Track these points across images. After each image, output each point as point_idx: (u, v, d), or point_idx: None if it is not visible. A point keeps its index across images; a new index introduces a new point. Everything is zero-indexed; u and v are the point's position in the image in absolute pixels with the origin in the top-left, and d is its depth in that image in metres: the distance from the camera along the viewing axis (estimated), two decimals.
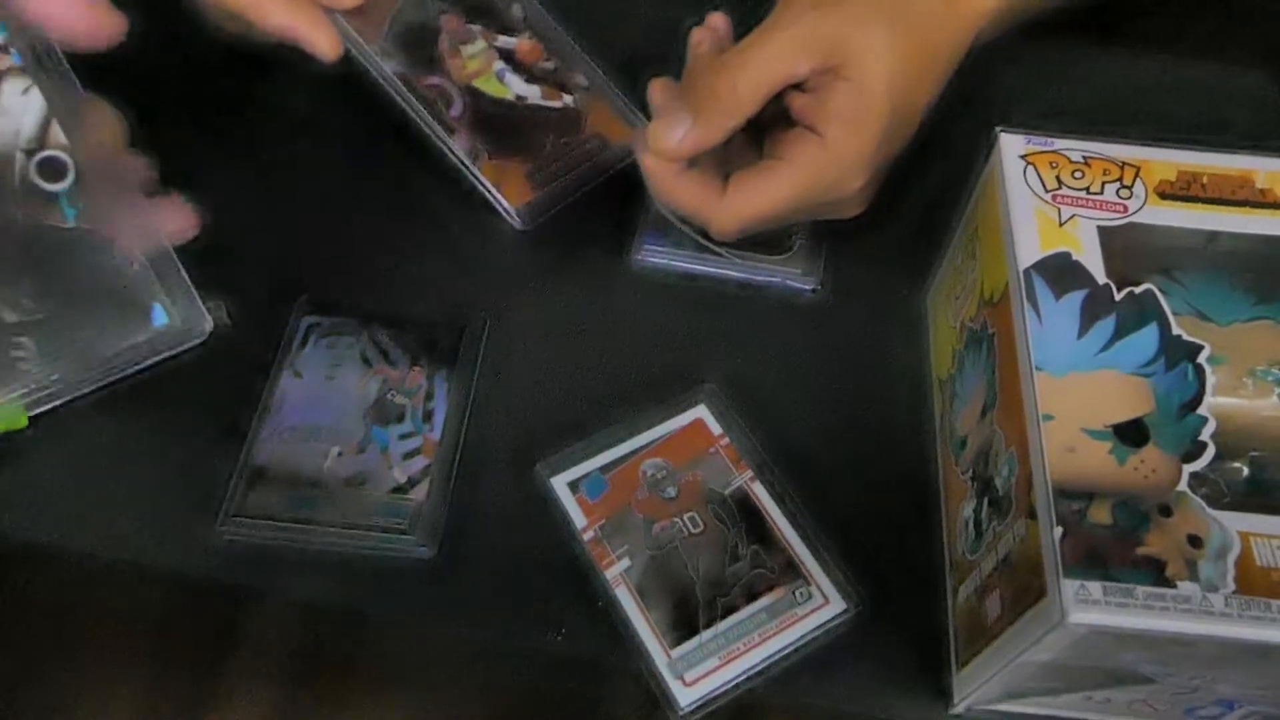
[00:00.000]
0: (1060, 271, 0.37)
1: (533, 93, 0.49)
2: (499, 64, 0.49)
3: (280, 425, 0.46)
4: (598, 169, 0.51)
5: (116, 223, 0.31)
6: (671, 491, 0.44)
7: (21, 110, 0.30)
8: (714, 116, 0.44)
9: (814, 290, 0.50)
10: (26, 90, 0.30)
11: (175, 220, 0.40)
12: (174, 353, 0.35)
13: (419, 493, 0.44)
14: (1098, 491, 0.32)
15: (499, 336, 0.49)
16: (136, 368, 0.34)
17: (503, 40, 0.49)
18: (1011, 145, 0.41)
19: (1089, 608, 0.30)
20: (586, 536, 0.43)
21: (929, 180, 0.51)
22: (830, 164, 0.45)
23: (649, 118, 0.47)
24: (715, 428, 0.46)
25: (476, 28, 0.49)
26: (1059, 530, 0.31)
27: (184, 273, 0.32)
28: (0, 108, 0.30)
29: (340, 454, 0.45)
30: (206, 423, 0.46)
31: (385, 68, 0.48)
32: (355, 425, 0.46)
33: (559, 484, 0.44)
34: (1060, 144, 0.41)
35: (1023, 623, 0.33)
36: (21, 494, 0.45)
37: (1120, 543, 0.31)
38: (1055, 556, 0.31)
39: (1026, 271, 0.37)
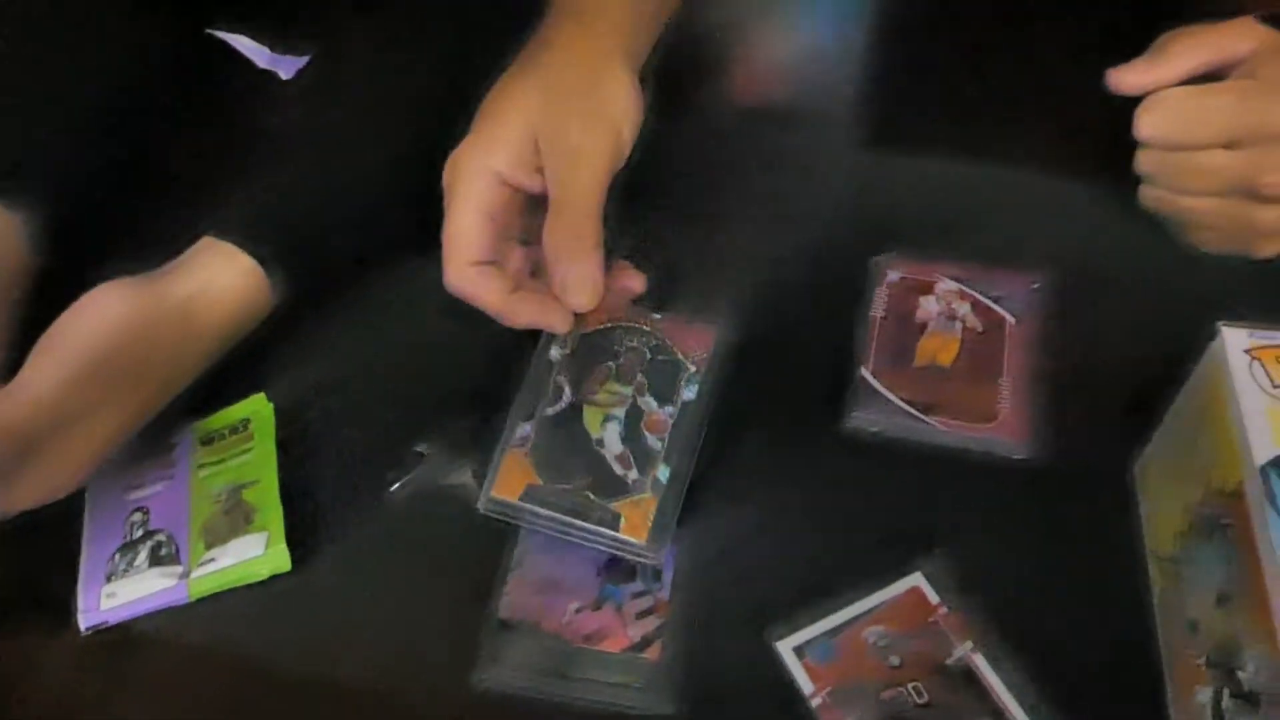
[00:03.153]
0: None
1: (614, 447, 0.51)
2: (618, 411, 0.52)
3: (524, 578, 0.50)
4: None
5: None
6: (895, 660, 0.46)
7: None
8: None
9: (1021, 458, 0.52)
10: None
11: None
12: None
13: (653, 651, 0.47)
14: None
15: (714, 497, 0.52)
16: None
17: (645, 400, 0.52)
18: (1235, 340, 0.42)
19: None
20: (815, 702, 0.45)
21: (1139, 353, 0.53)
22: None
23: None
24: (933, 597, 0.48)
25: (641, 380, 0.52)
26: None
27: None
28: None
29: (579, 610, 0.49)
30: (459, 574, 0.50)
31: (552, 348, 0.53)
32: (591, 582, 0.50)
33: (785, 648, 0.47)
34: None
35: None
36: (288, 631, 0.50)
37: None
38: None
39: (1264, 469, 0.38)
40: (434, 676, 0.48)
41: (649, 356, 0.54)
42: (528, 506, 0.50)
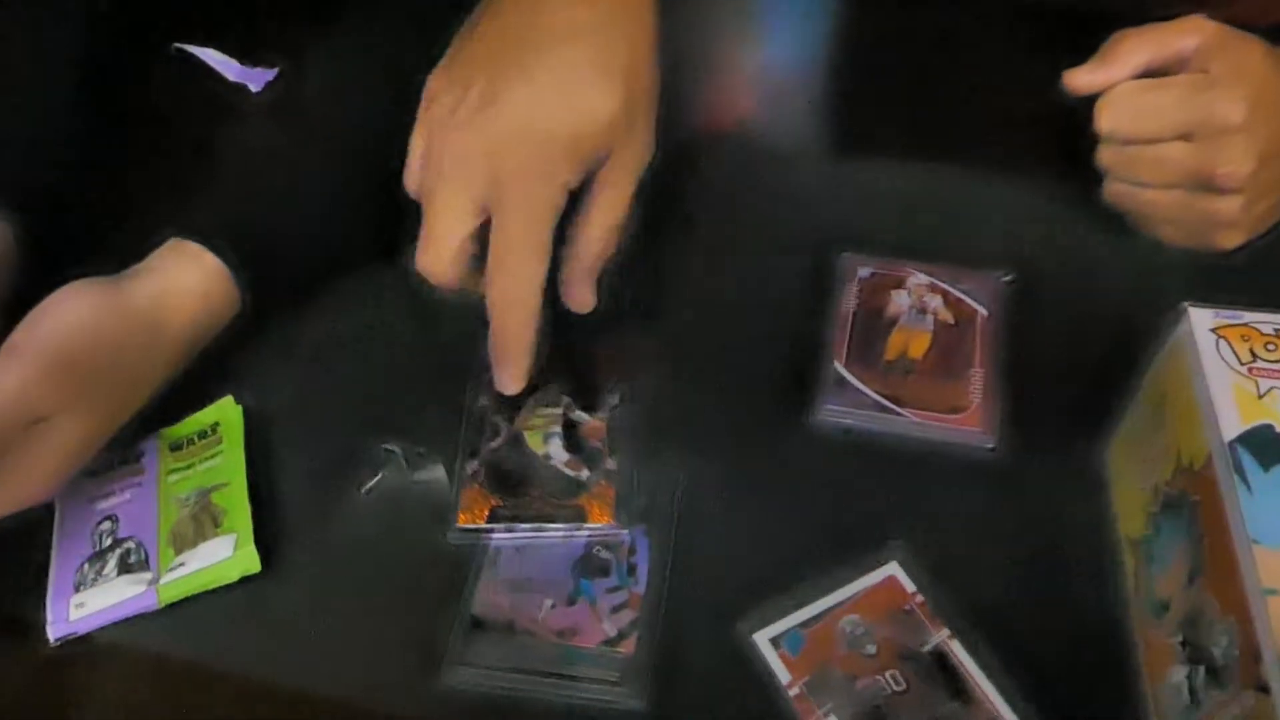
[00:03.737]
0: (1266, 444, 0.38)
1: (560, 457, 0.52)
2: (555, 428, 0.53)
3: (496, 577, 0.49)
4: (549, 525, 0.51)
5: None
6: (871, 649, 0.46)
7: None
8: None
9: (992, 448, 0.52)
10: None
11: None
12: None
13: (628, 645, 0.47)
14: None
15: (688, 491, 0.52)
16: None
17: (577, 415, 0.54)
18: (1202, 319, 0.43)
19: None
20: (792, 693, 0.45)
21: (1104, 343, 0.53)
22: None
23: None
24: (909, 585, 0.48)
25: (568, 400, 0.54)
26: None
27: None
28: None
29: (553, 606, 0.48)
30: (432, 573, 0.50)
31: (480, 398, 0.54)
32: (564, 578, 0.49)
33: (761, 640, 0.46)
34: (1250, 317, 0.43)
35: None
36: (258, 633, 0.49)
37: None
38: None
39: (1231, 444, 0.39)
40: (408, 675, 0.47)
41: (571, 381, 0.55)
42: (497, 526, 0.51)
